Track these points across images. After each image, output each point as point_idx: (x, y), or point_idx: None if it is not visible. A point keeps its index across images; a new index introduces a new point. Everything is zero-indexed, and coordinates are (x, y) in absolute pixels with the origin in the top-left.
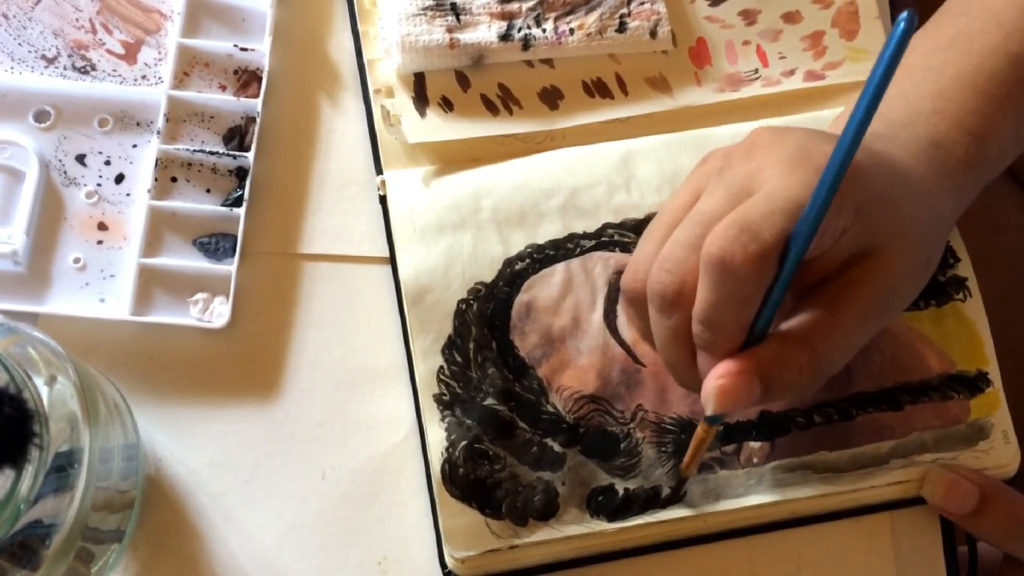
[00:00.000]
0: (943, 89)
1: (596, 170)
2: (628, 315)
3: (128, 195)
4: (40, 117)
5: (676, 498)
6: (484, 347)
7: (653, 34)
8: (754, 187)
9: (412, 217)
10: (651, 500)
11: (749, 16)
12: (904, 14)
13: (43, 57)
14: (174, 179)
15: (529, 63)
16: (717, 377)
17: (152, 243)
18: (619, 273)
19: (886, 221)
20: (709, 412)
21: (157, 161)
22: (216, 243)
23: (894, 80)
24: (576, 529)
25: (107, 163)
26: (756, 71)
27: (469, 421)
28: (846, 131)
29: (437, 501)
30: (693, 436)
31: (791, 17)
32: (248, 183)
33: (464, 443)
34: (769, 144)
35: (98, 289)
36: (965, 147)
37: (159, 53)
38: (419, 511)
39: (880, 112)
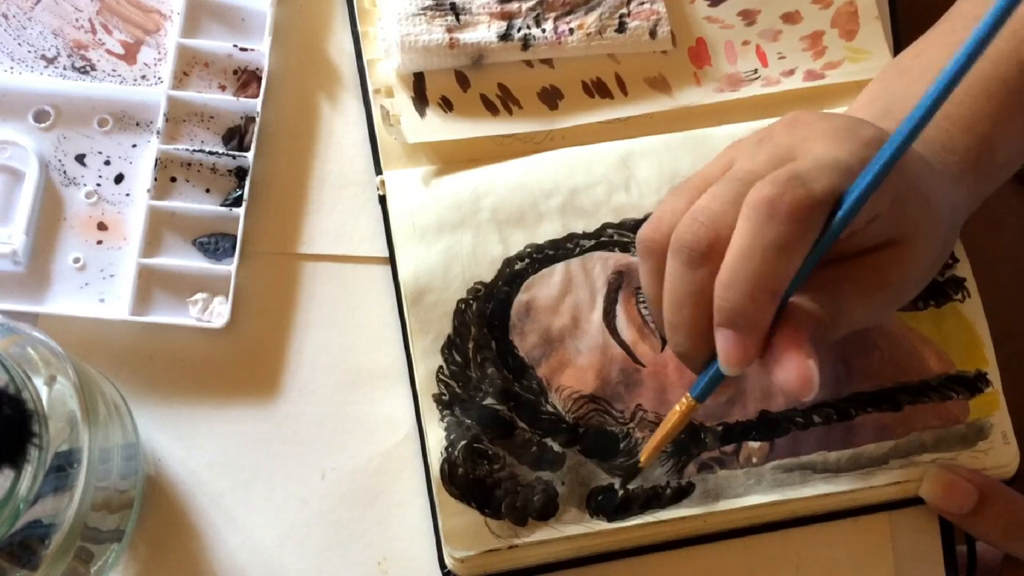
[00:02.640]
0: (955, 94)
1: (596, 170)
2: (629, 319)
3: (128, 195)
4: (40, 117)
5: (684, 495)
6: (484, 347)
7: (653, 34)
8: (798, 155)
9: (412, 217)
10: (650, 500)
11: (749, 16)
12: None
13: (43, 57)
14: (174, 179)
15: (529, 63)
16: (808, 358)
17: (152, 243)
18: (619, 273)
19: (916, 213)
20: (806, 397)
21: (157, 161)
22: (216, 243)
23: (904, 82)
24: (576, 529)
25: (107, 163)
26: (756, 71)
27: (469, 421)
28: (924, 99)
29: (437, 501)
30: (668, 417)
31: (791, 17)
32: (248, 183)
33: (464, 443)
34: (814, 120)
35: (98, 289)
36: (976, 152)
37: (159, 53)
38: (419, 511)
39: (891, 112)
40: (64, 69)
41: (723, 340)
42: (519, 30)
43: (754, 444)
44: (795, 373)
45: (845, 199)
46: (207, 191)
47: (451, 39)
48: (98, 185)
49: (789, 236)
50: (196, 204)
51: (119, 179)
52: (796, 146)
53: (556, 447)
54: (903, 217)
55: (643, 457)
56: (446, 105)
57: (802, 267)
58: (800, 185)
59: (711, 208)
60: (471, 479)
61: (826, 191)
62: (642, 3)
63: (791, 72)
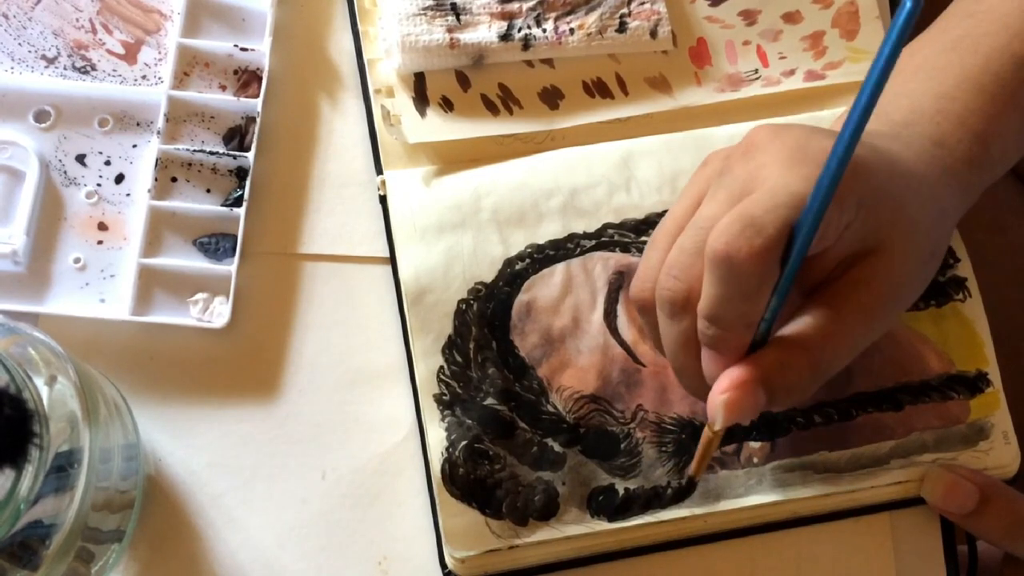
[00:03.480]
0: (947, 89)
1: (596, 170)
2: (630, 319)
3: (128, 195)
4: (40, 117)
5: (684, 495)
6: (484, 347)
7: (653, 34)
8: (754, 187)
9: (412, 217)
10: (651, 500)
11: (749, 16)
12: None
13: (43, 57)
14: (174, 179)
15: (529, 63)
16: (722, 391)
17: (152, 243)
18: (619, 273)
19: (889, 217)
20: (718, 427)
21: (157, 161)
22: (216, 243)
23: (897, 82)
24: (576, 529)
25: (107, 163)
26: (756, 71)
27: (469, 421)
28: (850, 116)
29: (437, 501)
30: (701, 438)
31: (791, 17)
32: (248, 183)
33: (464, 443)
34: (767, 142)
35: (98, 289)
36: (968, 146)
37: (159, 53)
38: (419, 511)
39: (882, 112)
40: (64, 69)
41: (706, 358)
42: (520, 30)
43: (755, 444)
44: (711, 398)
45: (798, 229)
46: (208, 191)
47: (451, 39)
48: (98, 185)
49: (751, 283)
50: (196, 204)
51: (119, 179)
52: (752, 176)
53: (557, 447)
54: (876, 222)
55: (692, 468)
56: (447, 105)
57: (777, 292)
58: (755, 234)
59: (681, 261)
60: (472, 479)
61: (781, 231)
62: (643, 3)
63: (792, 72)
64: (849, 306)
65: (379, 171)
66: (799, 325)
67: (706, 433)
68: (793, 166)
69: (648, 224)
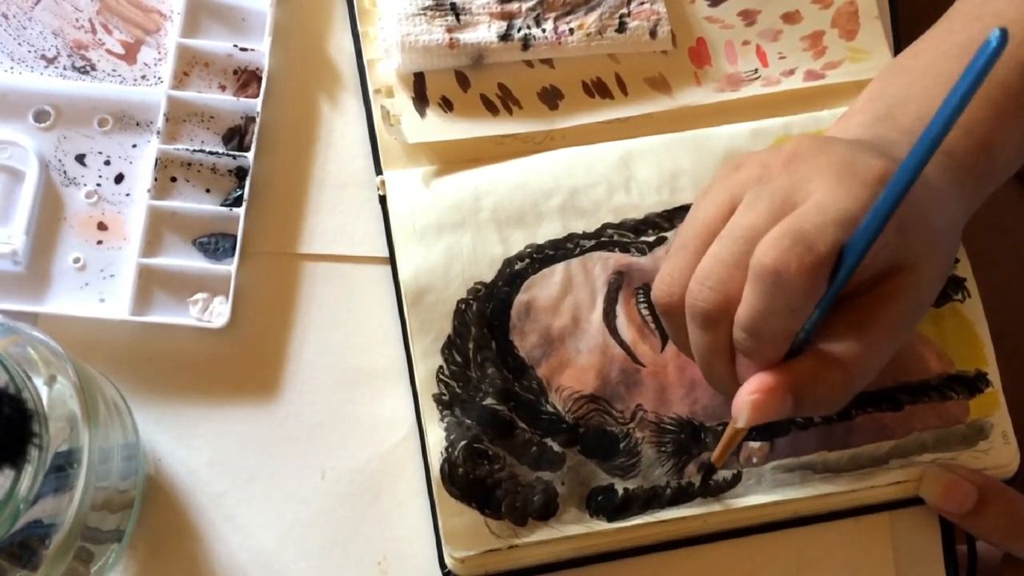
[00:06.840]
0: None
1: (596, 170)
2: (629, 319)
3: (128, 195)
4: (40, 117)
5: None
6: (484, 347)
7: (653, 34)
8: (798, 199)
9: (412, 217)
10: (650, 500)
11: (749, 16)
12: (996, 32)
13: (43, 57)
14: (174, 179)
15: (529, 63)
16: (751, 392)
17: (152, 243)
18: (619, 273)
19: (921, 235)
20: (741, 424)
21: (157, 161)
22: (216, 243)
23: (905, 81)
24: (575, 529)
25: (107, 163)
26: (756, 71)
27: (469, 421)
28: (919, 145)
29: (437, 501)
30: (726, 429)
31: (791, 17)
32: (248, 183)
33: (464, 443)
34: (812, 155)
35: (98, 289)
36: (975, 156)
37: (159, 53)
38: (419, 511)
39: (892, 115)
40: (64, 69)
41: (741, 364)
42: (519, 30)
43: (754, 444)
44: (739, 396)
45: (849, 249)
46: (207, 191)
47: (451, 39)
48: (98, 185)
49: (798, 299)
50: (196, 204)
51: (119, 179)
52: (796, 189)
53: (556, 447)
54: (909, 242)
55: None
56: (446, 105)
57: (820, 306)
58: (806, 250)
59: (717, 272)
60: (471, 479)
61: (831, 249)
62: (642, 3)
63: (791, 72)
64: (879, 322)
65: (379, 171)
66: (831, 339)
67: (731, 427)
68: (842, 183)
69: (647, 224)
